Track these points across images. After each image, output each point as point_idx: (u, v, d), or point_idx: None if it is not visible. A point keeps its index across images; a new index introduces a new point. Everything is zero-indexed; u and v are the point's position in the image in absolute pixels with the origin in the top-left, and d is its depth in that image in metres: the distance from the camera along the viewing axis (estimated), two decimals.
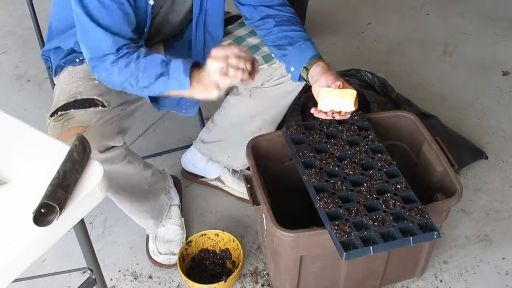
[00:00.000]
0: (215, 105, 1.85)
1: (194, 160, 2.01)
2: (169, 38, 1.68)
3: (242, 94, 1.75)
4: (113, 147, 1.46)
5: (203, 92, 1.36)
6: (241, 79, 1.32)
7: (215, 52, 1.33)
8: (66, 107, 1.46)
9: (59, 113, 1.46)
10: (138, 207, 1.68)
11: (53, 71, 1.63)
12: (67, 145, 1.09)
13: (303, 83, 1.67)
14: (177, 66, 1.37)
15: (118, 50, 1.39)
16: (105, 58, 1.39)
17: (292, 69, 1.54)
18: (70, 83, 1.53)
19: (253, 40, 1.69)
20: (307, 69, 1.50)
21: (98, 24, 1.36)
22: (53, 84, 1.74)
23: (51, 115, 1.48)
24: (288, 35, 1.56)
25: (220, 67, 1.30)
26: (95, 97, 1.47)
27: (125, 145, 1.52)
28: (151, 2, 1.45)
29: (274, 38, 1.59)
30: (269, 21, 1.60)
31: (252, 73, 1.34)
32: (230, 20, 1.74)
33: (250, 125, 1.76)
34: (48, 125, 1.47)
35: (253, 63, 1.35)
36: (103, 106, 1.47)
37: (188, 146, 2.05)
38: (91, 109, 1.45)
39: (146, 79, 1.38)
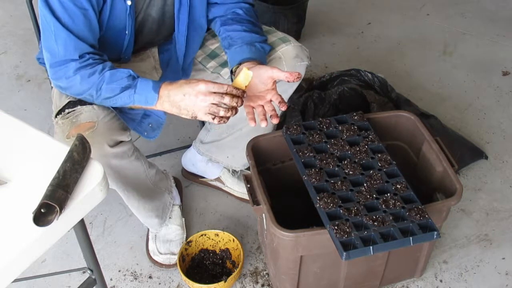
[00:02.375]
0: None
1: (194, 160, 2.01)
2: (161, 41, 1.67)
3: None
4: (121, 142, 1.46)
5: (173, 111, 1.38)
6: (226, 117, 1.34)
7: (207, 85, 1.32)
8: (72, 104, 1.46)
9: (66, 110, 1.46)
10: (144, 205, 1.68)
11: None
12: (67, 145, 1.09)
13: (297, 83, 1.67)
14: (146, 82, 1.38)
15: (81, 57, 1.37)
16: (67, 64, 1.37)
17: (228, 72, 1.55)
18: None
19: None
20: (239, 64, 1.49)
21: (63, 26, 1.35)
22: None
23: (57, 114, 1.48)
24: (229, 35, 1.56)
25: (210, 106, 1.31)
26: None
27: (132, 141, 1.53)
28: (129, 3, 1.45)
29: (221, 40, 1.59)
30: (217, 21, 1.61)
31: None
32: None
33: (247, 125, 1.76)
34: (55, 124, 1.48)
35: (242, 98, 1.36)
36: None
37: (188, 146, 2.05)
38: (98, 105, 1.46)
39: (109, 90, 1.38)
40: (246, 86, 1.36)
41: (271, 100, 1.42)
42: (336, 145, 1.54)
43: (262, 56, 1.54)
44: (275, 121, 1.41)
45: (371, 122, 1.63)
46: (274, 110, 1.41)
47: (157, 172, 1.70)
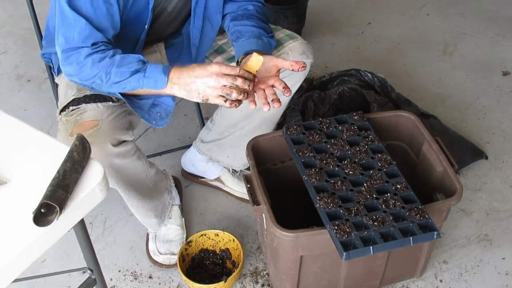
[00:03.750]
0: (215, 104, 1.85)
1: (194, 161, 2.01)
2: (169, 35, 1.67)
3: None
4: (124, 141, 1.46)
5: (183, 94, 1.36)
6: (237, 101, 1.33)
7: (221, 67, 1.31)
8: (77, 102, 1.46)
9: (71, 108, 1.46)
10: (144, 204, 1.68)
11: (55, 71, 1.63)
12: (70, 143, 1.09)
13: (300, 82, 1.67)
14: (155, 66, 1.37)
15: (94, 44, 1.37)
16: (79, 50, 1.37)
17: (234, 64, 1.54)
18: None
19: None
20: (245, 55, 1.49)
21: (80, 14, 1.34)
22: (54, 84, 1.74)
23: (62, 111, 1.48)
24: (237, 29, 1.56)
25: (222, 88, 1.30)
26: (104, 93, 1.47)
27: (135, 140, 1.53)
28: None
29: (229, 34, 1.59)
30: (227, 16, 1.61)
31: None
32: None
33: (249, 124, 1.77)
34: (59, 121, 1.48)
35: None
36: (113, 101, 1.47)
37: (188, 146, 2.05)
38: (102, 103, 1.46)
39: (119, 74, 1.36)
40: (256, 71, 1.35)
41: (273, 86, 1.41)
42: (336, 145, 1.54)
43: (268, 50, 1.54)
44: (277, 105, 1.38)
45: (371, 122, 1.63)
46: (275, 94, 1.39)
47: (157, 172, 1.70)
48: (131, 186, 1.58)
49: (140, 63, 1.37)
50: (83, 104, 1.45)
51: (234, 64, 1.55)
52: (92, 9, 1.36)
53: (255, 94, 1.40)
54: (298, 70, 1.40)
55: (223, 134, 1.84)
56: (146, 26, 1.51)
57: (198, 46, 1.64)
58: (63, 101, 1.50)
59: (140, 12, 1.48)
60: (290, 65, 1.39)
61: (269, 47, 1.55)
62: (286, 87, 1.39)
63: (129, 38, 1.53)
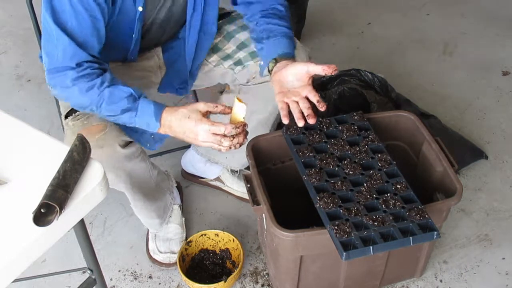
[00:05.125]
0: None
1: (193, 161, 2.01)
2: (165, 40, 1.67)
3: (234, 92, 1.74)
4: (131, 142, 1.46)
5: (178, 138, 1.38)
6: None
7: (204, 128, 1.31)
8: None
9: (77, 112, 1.46)
10: (148, 205, 1.69)
11: None
12: (67, 145, 1.09)
13: None
14: (147, 105, 1.35)
15: (78, 65, 1.32)
16: (65, 72, 1.33)
17: (261, 62, 1.53)
18: None
19: (241, 36, 1.68)
20: (276, 61, 1.48)
21: (64, 31, 1.31)
22: None
23: (67, 115, 1.47)
24: (268, 27, 1.55)
25: (211, 145, 1.33)
26: None
27: None
28: (140, 9, 1.43)
29: (258, 31, 1.58)
30: (257, 13, 1.59)
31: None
32: (221, 15, 1.73)
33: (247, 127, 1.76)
34: (65, 125, 1.48)
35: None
36: None
37: (188, 146, 2.05)
38: None
39: (110, 110, 1.35)
40: (243, 118, 1.34)
41: (306, 96, 1.39)
42: (336, 145, 1.54)
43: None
44: (312, 121, 1.37)
45: (371, 122, 1.63)
46: (310, 108, 1.37)
47: (159, 172, 1.71)
48: (138, 188, 1.59)
49: (131, 100, 1.35)
50: None
51: (266, 72, 1.52)
52: (77, 23, 1.32)
53: (289, 105, 1.38)
54: (331, 74, 1.38)
55: None
56: (133, 36, 1.49)
57: (194, 58, 1.64)
58: (67, 104, 1.49)
59: (127, 24, 1.46)
60: (322, 70, 1.37)
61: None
62: (320, 101, 1.37)
63: (118, 47, 1.52)
